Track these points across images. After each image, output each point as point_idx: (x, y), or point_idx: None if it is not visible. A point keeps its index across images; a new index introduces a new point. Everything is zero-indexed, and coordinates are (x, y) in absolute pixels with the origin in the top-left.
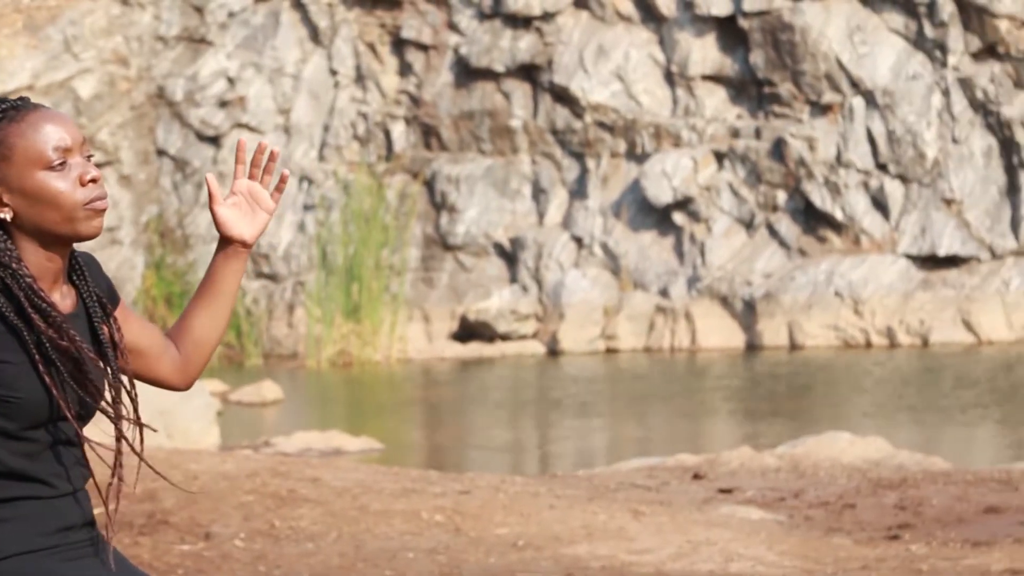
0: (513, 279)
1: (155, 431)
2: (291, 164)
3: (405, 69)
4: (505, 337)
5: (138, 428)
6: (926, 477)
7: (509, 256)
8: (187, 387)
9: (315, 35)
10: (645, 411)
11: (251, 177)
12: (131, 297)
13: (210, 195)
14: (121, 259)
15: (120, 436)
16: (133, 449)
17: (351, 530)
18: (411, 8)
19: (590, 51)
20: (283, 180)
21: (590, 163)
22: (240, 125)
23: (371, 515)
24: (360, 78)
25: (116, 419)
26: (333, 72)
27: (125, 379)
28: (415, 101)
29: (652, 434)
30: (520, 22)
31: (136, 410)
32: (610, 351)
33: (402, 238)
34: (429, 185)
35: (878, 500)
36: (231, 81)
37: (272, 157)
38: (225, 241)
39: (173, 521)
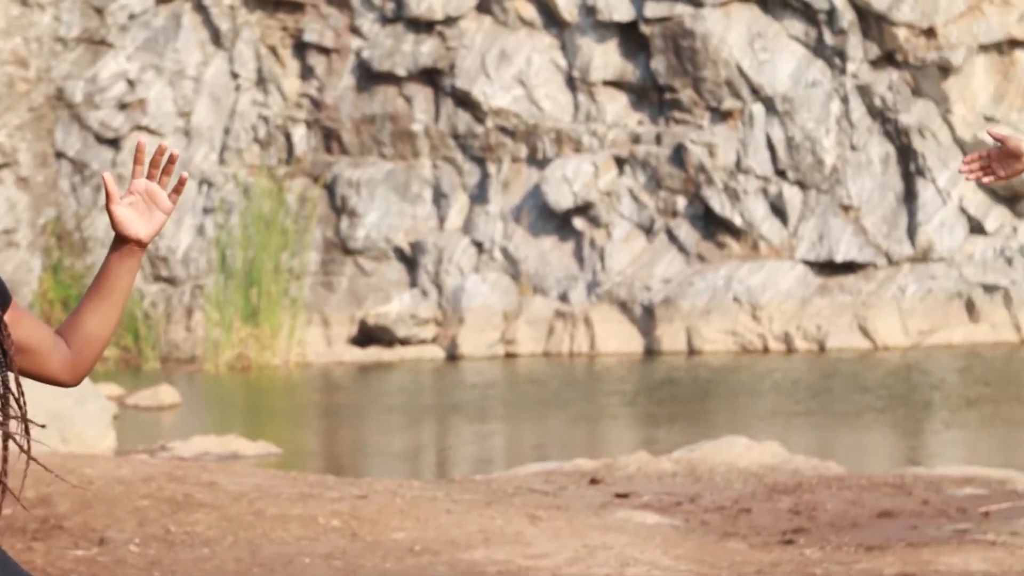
0: (413, 284)
1: (42, 427)
2: (191, 167)
3: (307, 72)
4: (404, 342)
5: (26, 429)
6: (821, 482)
7: (409, 260)
8: (76, 383)
9: (216, 38)
10: (543, 416)
11: (149, 177)
12: (28, 300)
13: (107, 194)
14: (18, 262)
15: (7, 436)
16: (22, 448)
17: (247, 535)
18: (313, 11)
19: (492, 56)
20: (181, 182)
21: (491, 168)
22: (140, 128)
23: (267, 520)
24: (261, 81)
25: (4, 420)
26: (234, 75)
27: (13, 380)
28: (316, 104)
29: (550, 439)
30: (422, 26)
31: (23, 411)
32: (509, 356)
33: (302, 242)
34: (330, 189)
35: (773, 505)
36: (131, 83)
37: (172, 159)
38: (120, 240)
39: (67, 526)
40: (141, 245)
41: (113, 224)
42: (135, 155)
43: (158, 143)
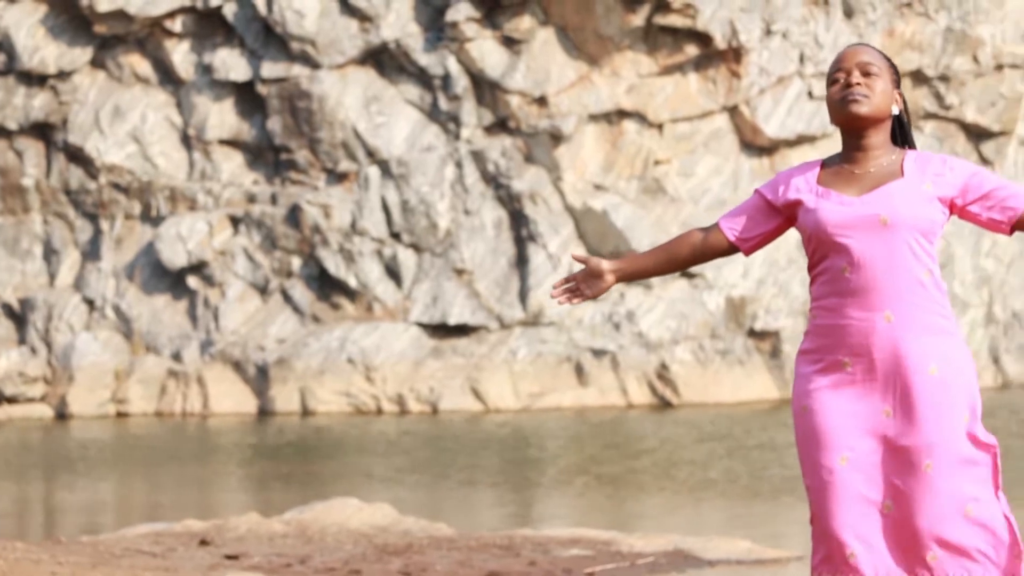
0: (22, 341)
1: None
2: None
3: None
4: (12, 400)
5: None
6: (431, 543)
7: (18, 317)
8: None
9: None
10: (154, 476)
11: None
12: None
13: None
14: None
15: None
16: None
17: None
18: None
19: (106, 112)
20: None
21: (104, 224)
22: None
23: None
24: None
25: None
26: None
27: None
28: None
29: (160, 499)
30: (35, 80)
31: None
32: (121, 415)
33: None
34: None
35: (384, 566)
36: None
37: None
38: None
39: None
40: None
41: None
42: None
43: None
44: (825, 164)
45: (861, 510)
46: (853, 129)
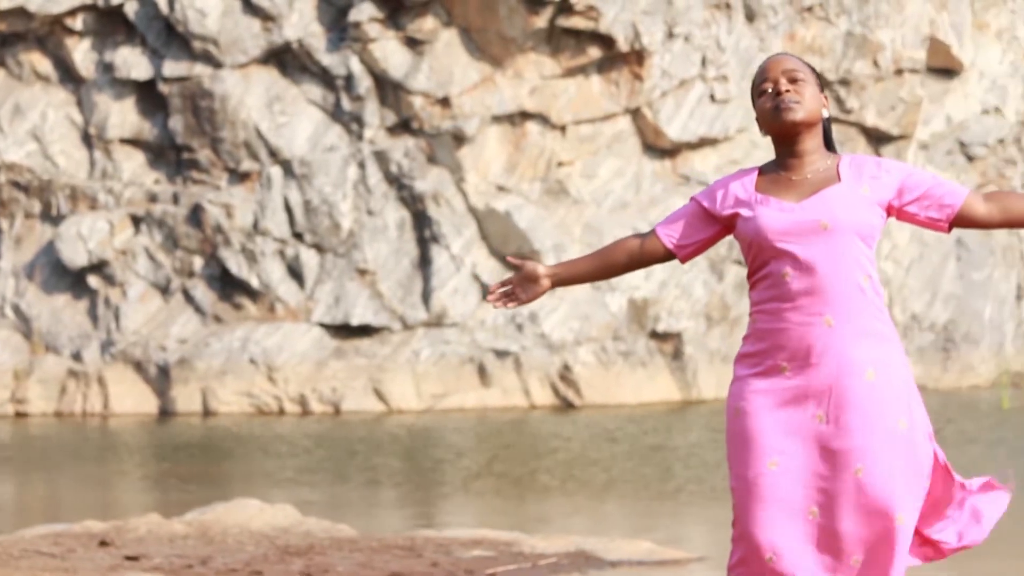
0: None
1: None
2: None
3: None
4: None
5: None
6: (333, 544)
7: None
8: None
9: None
10: (53, 476)
11: None
12: None
13: None
14: None
15: None
16: None
17: None
18: None
19: (6, 110)
20: None
21: (3, 223)
22: None
23: None
24: None
25: None
26: None
27: None
28: None
29: (60, 500)
30: None
31: None
32: (20, 415)
33: None
34: None
35: (285, 567)
36: None
37: None
38: None
39: None
40: None
41: None
42: None
43: None
44: (762, 171)
45: (785, 515)
46: (788, 136)
